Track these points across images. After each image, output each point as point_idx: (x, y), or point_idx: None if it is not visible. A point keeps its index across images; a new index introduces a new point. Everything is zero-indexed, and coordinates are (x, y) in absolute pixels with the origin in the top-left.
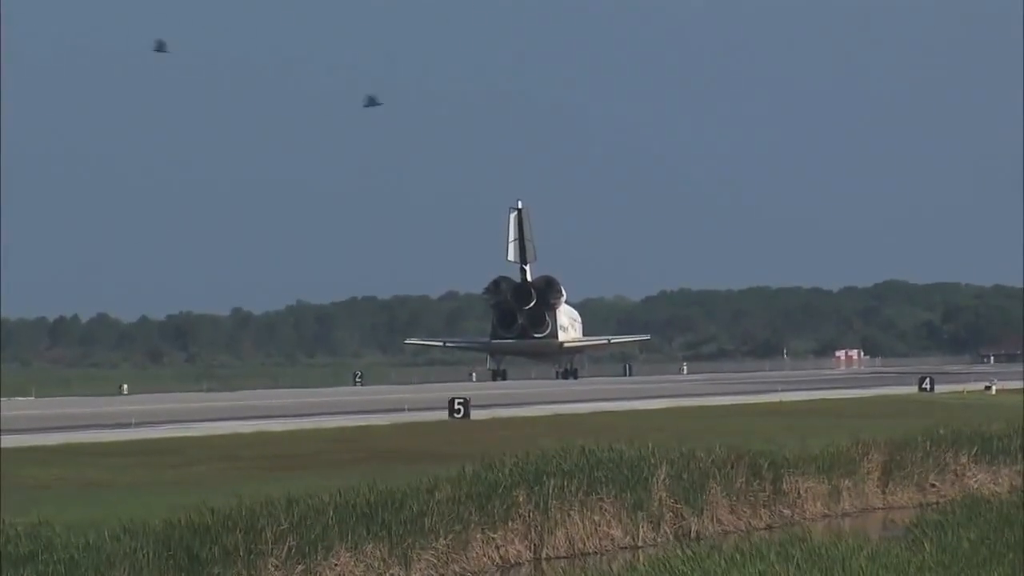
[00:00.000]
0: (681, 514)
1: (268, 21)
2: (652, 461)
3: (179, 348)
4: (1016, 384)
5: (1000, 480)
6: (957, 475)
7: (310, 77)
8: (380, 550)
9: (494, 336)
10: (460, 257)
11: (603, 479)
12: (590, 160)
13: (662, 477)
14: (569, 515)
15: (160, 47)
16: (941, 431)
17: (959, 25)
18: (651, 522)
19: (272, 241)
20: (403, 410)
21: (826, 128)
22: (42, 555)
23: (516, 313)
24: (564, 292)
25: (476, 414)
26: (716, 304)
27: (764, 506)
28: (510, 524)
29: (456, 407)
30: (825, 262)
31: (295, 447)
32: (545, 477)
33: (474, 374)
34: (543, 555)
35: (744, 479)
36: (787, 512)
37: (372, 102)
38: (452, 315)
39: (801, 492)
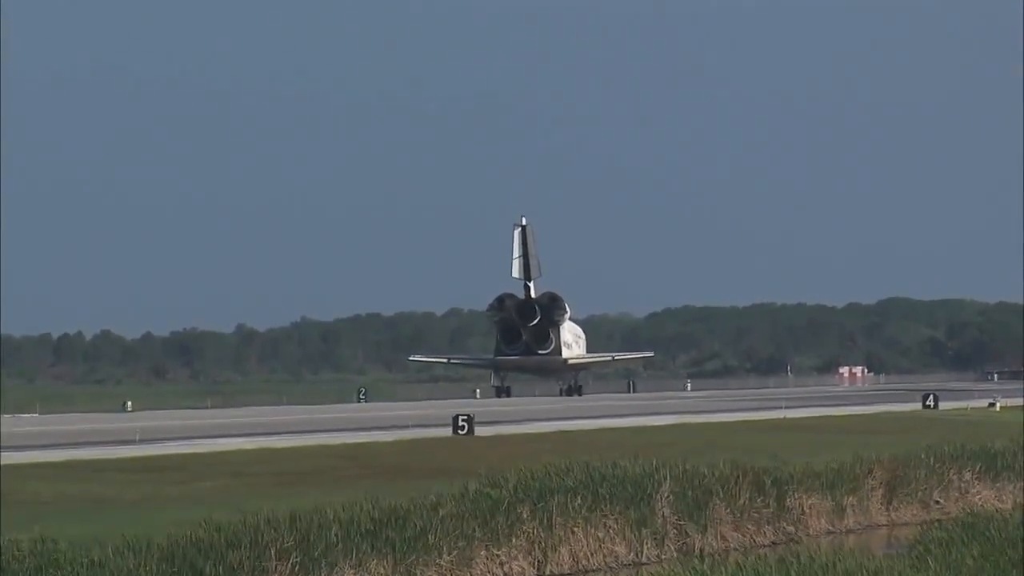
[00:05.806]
0: (685, 531)
1: (273, 37)
2: (656, 478)
3: (183, 364)
4: (1020, 401)
5: (1004, 497)
6: (961, 492)
7: (314, 92)
8: (384, 567)
9: (498, 353)
10: (464, 274)
11: (607, 496)
12: (594, 177)
13: (666, 494)
14: (573, 532)
15: None
16: (945, 448)
17: (962, 39)
18: (655, 539)
19: (276, 258)
20: (407, 427)
21: (829, 144)
22: (46, 571)
23: (520, 330)
24: (568, 309)
25: (480, 431)
26: (720, 321)
27: (768, 523)
28: (514, 541)
29: (460, 424)
30: (829, 279)
31: (299, 463)
32: (549, 493)
33: (478, 391)
34: (547, 572)
35: (748, 496)
36: (791, 529)
37: None
38: (456, 332)
39: (805, 509)
